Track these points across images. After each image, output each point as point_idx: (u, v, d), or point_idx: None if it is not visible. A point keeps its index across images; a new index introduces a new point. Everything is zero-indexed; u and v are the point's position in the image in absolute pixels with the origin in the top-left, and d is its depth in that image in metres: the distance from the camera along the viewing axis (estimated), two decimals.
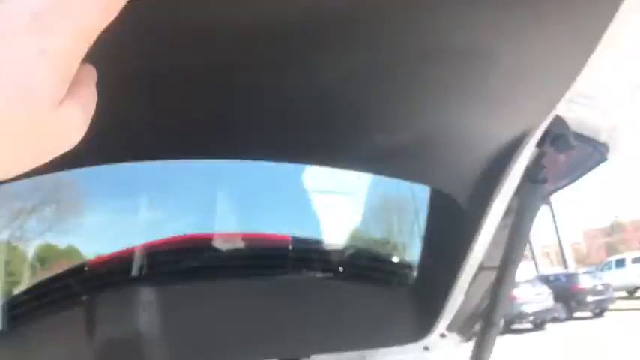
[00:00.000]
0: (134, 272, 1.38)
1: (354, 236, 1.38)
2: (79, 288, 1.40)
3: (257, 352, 1.40)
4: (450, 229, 1.18)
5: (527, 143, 0.94)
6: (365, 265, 1.41)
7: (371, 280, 1.39)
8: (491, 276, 1.19)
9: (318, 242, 1.40)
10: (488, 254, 1.16)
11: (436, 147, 0.97)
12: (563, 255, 25.83)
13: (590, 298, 16.41)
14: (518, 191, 1.05)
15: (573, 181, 1.14)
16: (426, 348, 1.42)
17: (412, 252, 1.32)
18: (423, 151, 0.97)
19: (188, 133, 0.94)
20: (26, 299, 1.39)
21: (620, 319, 15.10)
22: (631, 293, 22.04)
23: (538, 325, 15.58)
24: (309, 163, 1.19)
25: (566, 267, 23.86)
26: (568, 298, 16.62)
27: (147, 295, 1.39)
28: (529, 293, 15.51)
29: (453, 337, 1.39)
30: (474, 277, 1.21)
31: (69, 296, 1.40)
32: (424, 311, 1.35)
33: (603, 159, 1.04)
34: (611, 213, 57.54)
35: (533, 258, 27.54)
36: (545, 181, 1.04)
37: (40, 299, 1.39)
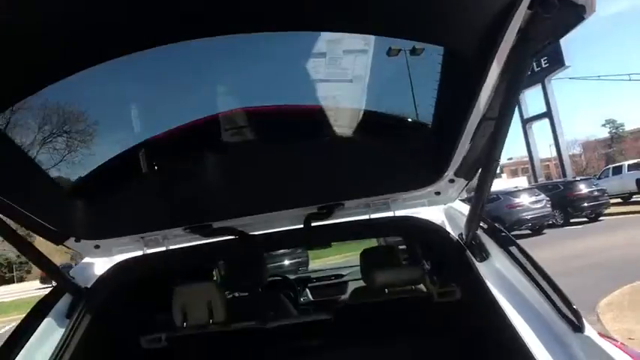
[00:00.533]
0: (201, 141, 1.69)
1: (374, 97, 1.64)
2: (155, 156, 1.72)
3: (301, 199, 1.75)
4: (457, 84, 1.44)
5: (521, 5, 1.18)
6: (385, 123, 1.69)
7: (391, 135, 1.68)
8: (491, 126, 1.46)
9: (344, 106, 1.67)
10: (489, 106, 1.42)
11: (445, 7, 1.20)
12: (562, 166, 26.36)
13: (586, 204, 17.10)
14: (514, 49, 1.30)
15: (557, 39, 1.40)
16: (437, 192, 1.76)
17: (425, 109, 1.59)
18: (434, 11, 1.21)
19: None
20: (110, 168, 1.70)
21: (614, 222, 15.87)
22: (625, 199, 22.84)
23: (536, 231, 16.39)
24: (326, 28, 1.39)
25: (565, 177, 24.46)
26: (565, 204, 17.33)
27: (211, 157, 1.71)
28: (528, 201, 16.20)
29: (460, 182, 1.72)
30: (478, 126, 1.48)
31: (148, 163, 1.72)
32: (436, 160, 1.65)
33: (581, 18, 1.28)
34: (612, 125, 57.32)
35: (533, 170, 28.15)
36: (535, 39, 1.29)
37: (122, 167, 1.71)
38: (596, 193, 17.55)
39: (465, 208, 1.78)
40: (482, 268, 1.52)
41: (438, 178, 1.68)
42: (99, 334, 1.66)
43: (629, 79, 28.70)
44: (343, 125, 1.70)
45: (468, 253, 1.58)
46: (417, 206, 1.80)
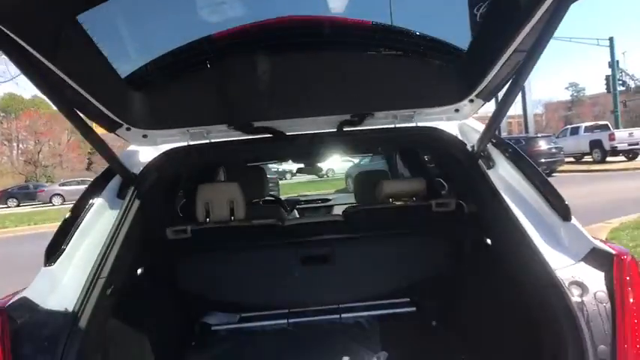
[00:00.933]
0: (252, 46, 1.83)
1: (415, 16, 1.81)
2: (207, 55, 1.85)
3: (336, 107, 1.93)
4: (503, 18, 1.55)
5: None
6: (421, 43, 1.87)
7: (425, 55, 1.88)
8: (520, 57, 1.57)
9: (384, 22, 1.83)
10: (522, 40, 1.50)
11: None
12: (526, 123, 27.48)
13: (543, 160, 18.09)
14: None
15: None
16: (456, 110, 1.99)
17: (462, 34, 1.78)
18: None
19: None
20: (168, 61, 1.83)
21: (565, 178, 16.99)
22: (578, 159, 24.24)
23: None
24: None
25: (527, 134, 25.55)
26: None
27: (259, 61, 1.86)
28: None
29: (478, 102, 1.95)
30: (509, 57, 1.65)
31: (199, 61, 1.86)
32: (464, 83, 1.86)
33: None
34: (574, 88, 59.05)
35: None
36: None
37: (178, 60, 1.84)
38: (553, 151, 18.58)
39: (476, 124, 2.03)
40: (490, 174, 1.79)
41: (463, 99, 1.90)
42: (144, 216, 1.82)
43: (597, 44, 29.49)
44: (381, 40, 1.87)
45: (480, 161, 1.84)
46: (436, 120, 2.03)
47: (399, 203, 2.32)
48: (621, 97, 34.00)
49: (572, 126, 26.75)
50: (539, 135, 22.11)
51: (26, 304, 1.32)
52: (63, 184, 31.08)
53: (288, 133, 2.00)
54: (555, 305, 1.32)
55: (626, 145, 22.16)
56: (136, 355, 1.97)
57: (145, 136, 1.94)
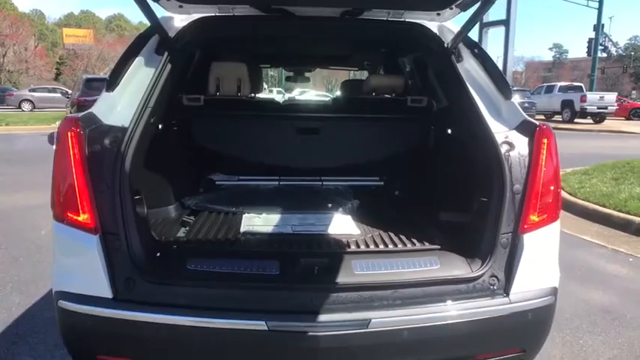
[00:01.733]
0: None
1: None
2: None
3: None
4: None
5: None
6: None
7: None
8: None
9: None
10: None
11: None
12: (505, 75, 27.95)
13: None
14: None
15: None
16: (438, 14, 2.34)
17: None
18: None
19: None
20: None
21: None
22: (548, 117, 25.09)
23: None
24: None
25: None
26: None
27: None
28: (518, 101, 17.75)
29: (456, 10, 2.30)
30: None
31: None
32: None
33: None
34: (557, 49, 59.29)
35: None
36: None
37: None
38: (526, 105, 19.28)
39: (452, 27, 2.39)
40: (459, 66, 2.17)
41: (445, 7, 2.23)
42: (174, 72, 2.13)
43: (587, 5, 29.56)
44: None
45: (452, 57, 2.21)
46: (420, 20, 2.38)
47: (380, 97, 2.74)
48: (601, 63, 34.68)
49: (548, 84, 27.45)
50: (515, 88, 22.72)
51: (93, 118, 1.65)
52: (33, 90, 30.04)
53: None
54: (491, 156, 1.76)
55: (596, 108, 23.05)
56: (158, 187, 2.37)
57: (180, 6, 2.16)
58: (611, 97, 23.59)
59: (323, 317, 1.45)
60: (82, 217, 1.51)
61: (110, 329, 1.50)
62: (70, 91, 15.58)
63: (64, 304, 1.52)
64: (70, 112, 12.66)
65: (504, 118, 1.88)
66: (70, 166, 1.53)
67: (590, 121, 23.62)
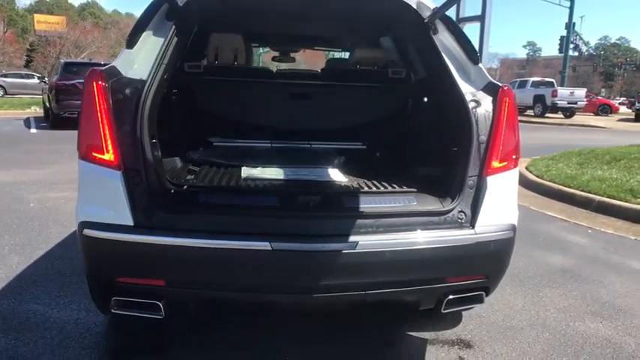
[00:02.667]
0: None
1: None
2: None
3: None
4: None
5: None
6: None
7: None
8: None
9: None
10: None
11: None
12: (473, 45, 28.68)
13: None
14: None
15: None
16: None
17: None
18: None
19: None
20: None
21: None
22: (521, 112, 25.88)
23: None
24: None
25: None
26: None
27: None
28: None
29: None
30: None
31: None
32: None
33: None
34: (531, 47, 60.74)
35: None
36: None
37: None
38: None
39: (428, 3, 2.63)
40: (435, 37, 2.41)
41: None
42: (181, 38, 2.26)
43: (559, 4, 30.48)
44: None
45: (430, 30, 2.45)
46: None
47: (364, 68, 3.01)
48: (572, 61, 35.80)
49: (521, 79, 28.30)
50: None
51: (115, 70, 1.84)
52: (5, 75, 29.26)
53: None
54: (462, 113, 2.03)
55: (566, 103, 23.91)
56: (167, 138, 2.55)
57: None
58: (580, 93, 24.50)
59: (317, 239, 1.70)
60: (107, 156, 1.72)
61: (131, 253, 1.72)
62: (46, 78, 15.38)
63: (89, 232, 1.72)
64: (49, 97, 12.56)
65: (472, 81, 2.15)
66: (95, 112, 1.73)
67: (561, 115, 24.48)
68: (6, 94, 26.58)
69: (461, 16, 28.91)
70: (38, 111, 16.43)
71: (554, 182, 6.25)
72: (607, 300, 3.01)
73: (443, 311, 1.95)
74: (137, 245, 1.69)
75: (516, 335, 2.51)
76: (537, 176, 6.71)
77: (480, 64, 2.20)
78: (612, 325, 2.67)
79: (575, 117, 24.32)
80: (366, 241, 1.72)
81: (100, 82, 1.74)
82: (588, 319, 2.74)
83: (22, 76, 29.41)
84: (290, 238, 1.68)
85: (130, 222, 1.70)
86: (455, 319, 2.63)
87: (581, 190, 5.73)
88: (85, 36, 46.08)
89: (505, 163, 1.97)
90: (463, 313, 2.68)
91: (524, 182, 6.70)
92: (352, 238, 1.71)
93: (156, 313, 1.79)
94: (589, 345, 2.44)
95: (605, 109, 30.17)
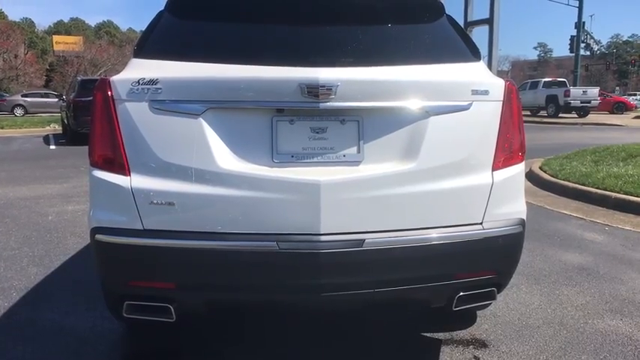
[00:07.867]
0: None
1: None
2: None
3: None
4: None
5: None
6: None
7: None
8: None
9: None
10: None
11: None
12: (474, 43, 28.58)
13: None
14: None
15: None
16: None
17: None
18: None
19: None
20: None
21: None
22: (534, 112, 25.64)
23: None
24: None
25: None
26: None
27: None
28: None
29: None
30: None
31: None
32: None
33: None
34: (542, 48, 60.23)
35: None
36: None
37: None
38: None
39: None
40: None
41: None
42: None
43: (567, 4, 30.25)
44: None
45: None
46: None
47: None
48: (585, 61, 35.38)
49: (533, 80, 28.03)
50: None
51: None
52: (25, 95, 30.07)
53: None
54: None
55: (579, 102, 23.60)
56: None
57: None
58: (594, 91, 24.16)
59: (325, 237, 1.71)
60: (117, 162, 1.76)
61: (141, 256, 1.74)
62: (64, 96, 15.88)
63: (101, 237, 1.75)
64: (67, 114, 12.88)
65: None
66: (105, 122, 1.77)
67: (575, 115, 24.17)
68: (27, 113, 27.31)
69: (469, 19, 29.10)
70: (57, 128, 16.82)
71: (569, 181, 6.16)
72: (627, 297, 2.95)
73: (454, 309, 1.93)
74: (146, 249, 1.71)
75: (533, 333, 2.48)
76: (551, 175, 6.63)
77: (482, 62, 2.19)
78: (633, 322, 2.61)
79: (589, 116, 23.99)
80: (373, 239, 1.72)
81: (108, 91, 1.78)
82: (607, 316, 2.69)
83: (41, 95, 30.18)
84: (296, 237, 1.69)
85: (140, 226, 1.72)
86: (469, 319, 2.60)
87: (597, 188, 5.64)
88: (101, 54, 47.29)
89: (511, 157, 1.96)
90: (478, 313, 2.65)
91: (538, 182, 6.64)
92: (360, 237, 1.72)
93: (167, 316, 1.81)
94: (609, 342, 2.39)
95: (620, 107, 29.70)
